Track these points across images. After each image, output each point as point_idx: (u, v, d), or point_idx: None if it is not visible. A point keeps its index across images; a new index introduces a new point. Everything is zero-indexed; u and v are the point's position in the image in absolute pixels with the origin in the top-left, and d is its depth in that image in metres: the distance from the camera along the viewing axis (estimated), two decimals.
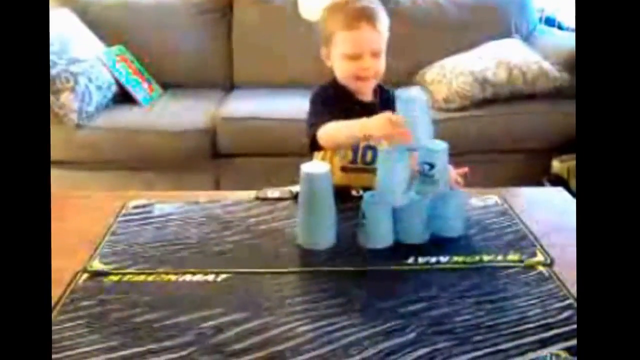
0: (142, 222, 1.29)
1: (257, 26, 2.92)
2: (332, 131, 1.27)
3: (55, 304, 1.00)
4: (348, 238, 1.20)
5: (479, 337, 0.92)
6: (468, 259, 1.14)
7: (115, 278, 1.09)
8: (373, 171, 1.25)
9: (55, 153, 2.33)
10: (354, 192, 1.35)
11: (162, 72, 2.84)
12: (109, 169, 2.54)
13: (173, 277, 1.09)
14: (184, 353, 0.89)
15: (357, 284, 1.06)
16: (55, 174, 2.30)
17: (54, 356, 0.87)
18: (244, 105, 2.64)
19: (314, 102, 1.39)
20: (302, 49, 2.49)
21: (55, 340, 0.91)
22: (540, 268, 1.11)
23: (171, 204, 1.37)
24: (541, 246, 1.19)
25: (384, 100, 1.41)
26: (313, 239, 1.18)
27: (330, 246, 1.18)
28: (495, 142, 2.55)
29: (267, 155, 2.50)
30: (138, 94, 2.67)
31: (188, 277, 1.09)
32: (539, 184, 2.38)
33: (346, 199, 1.31)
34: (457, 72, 2.60)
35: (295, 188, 1.30)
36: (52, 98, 2.37)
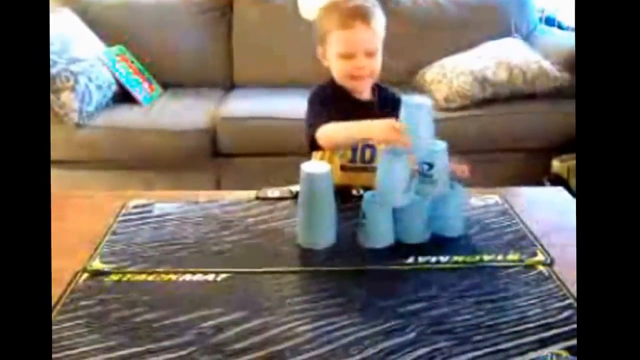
0: (142, 221, 1.29)
1: (257, 26, 2.92)
2: (331, 132, 1.27)
3: (55, 303, 1.00)
4: (348, 238, 1.20)
5: (479, 337, 0.92)
6: (468, 259, 1.14)
7: (115, 278, 1.09)
8: (372, 170, 1.25)
9: (56, 152, 2.32)
10: (354, 192, 1.35)
11: (162, 72, 2.84)
12: (109, 169, 2.54)
13: (173, 277, 1.09)
14: (183, 353, 0.89)
15: (357, 284, 1.06)
16: (55, 173, 2.30)
17: (54, 356, 0.87)
18: (244, 105, 2.64)
19: (312, 102, 1.39)
20: (302, 48, 2.48)
21: (55, 339, 0.91)
22: (541, 268, 1.11)
23: (171, 203, 1.37)
24: (541, 246, 1.19)
25: (383, 99, 1.41)
26: (313, 238, 1.18)
27: (330, 246, 1.18)
28: (496, 141, 2.55)
29: (267, 154, 2.50)
30: (138, 94, 2.67)
31: (188, 277, 1.09)
32: (539, 183, 2.38)
33: (346, 199, 1.31)
34: (457, 71, 2.60)
35: (295, 188, 1.30)
36: (52, 97, 2.37)
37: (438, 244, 1.19)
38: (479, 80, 2.56)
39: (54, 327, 0.94)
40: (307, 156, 1.38)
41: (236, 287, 1.06)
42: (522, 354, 0.89)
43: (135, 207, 1.36)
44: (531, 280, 1.07)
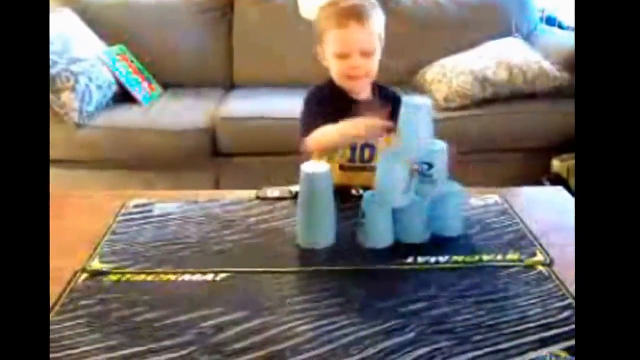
0: (141, 221, 1.29)
1: (257, 25, 2.92)
2: (319, 136, 1.30)
3: (54, 303, 1.00)
4: (348, 237, 1.20)
5: (478, 337, 0.92)
6: (467, 259, 1.14)
7: (114, 277, 1.09)
8: (372, 169, 1.25)
9: (56, 152, 2.33)
10: (353, 192, 1.35)
11: (163, 72, 2.84)
12: (109, 168, 2.54)
13: (173, 277, 1.09)
14: (183, 352, 0.89)
15: (357, 284, 1.06)
16: (55, 173, 2.31)
17: (53, 355, 0.87)
18: (244, 105, 2.64)
19: (308, 103, 1.39)
20: (302, 48, 2.48)
21: (55, 339, 0.91)
22: (540, 267, 1.11)
23: (171, 203, 1.37)
24: (541, 245, 1.19)
25: (383, 98, 1.40)
26: (313, 238, 1.18)
27: (330, 245, 1.18)
28: (495, 141, 2.55)
29: (267, 154, 2.50)
30: (138, 93, 2.67)
31: (188, 277, 1.09)
32: (539, 183, 2.38)
33: (346, 198, 1.31)
34: (458, 71, 2.60)
35: (295, 187, 1.30)
36: (52, 97, 2.37)
37: (437, 243, 1.19)
38: (479, 80, 2.56)
39: (54, 327, 0.94)
40: (307, 156, 1.38)
41: (236, 286, 1.06)
42: (521, 353, 0.89)
43: (135, 206, 1.36)
44: (531, 280, 1.07)
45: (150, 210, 1.34)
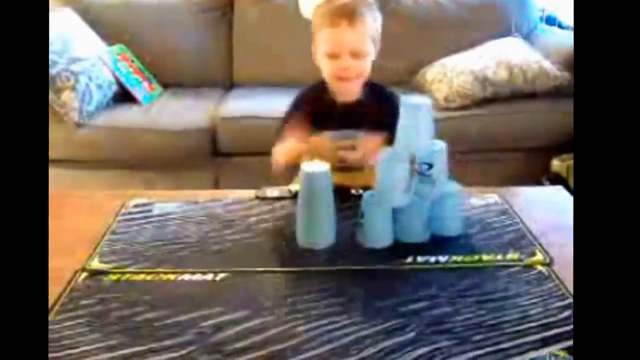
0: (142, 221, 1.29)
1: (257, 25, 2.92)
2: (281, 152, 1.35)
3: (54, 303, 1.00)
4: (347, 237, 1.20)
5: (478, 337, 0.92)
6: (467, 258, 1.14)
7: (114, 277, 1.09)
8: (370, 169, 1.24)
9: (56, 152, 2.34)
10: (353, 191, 1.35)
11: (163, 71, 2.84)
12: (109, 168, 2.54)
13: (173, 276, 1.09)
14: (183, 352, 0.89)
15: (357, 283, 1.06)
16: (55, 172, 2.32)
17: (53, 355, 0.87)
18: (244, 105, 2.64)
19: (290, 105, 1.39)
20: (302, 48, 2.47)
21: (55, 339, 0.91)
22: (540, 267, 1.11)
23: (171, 203, 1.37)
24: (540, 245, 1.19)
25: (376, 98, 1.39)
26: (312, 238, 1.18)
27: (330, 245, 1.18)
28: (496, 141, 2.55)
29: (267, 154, 2.47)
30: (138, 93, 2.67)
31: (187, 276, 1.09)
32: (539, 183, 2.38)
33: (346, 198, 1.31)
34: (458, 71, 2.60)
35: (295, 187, 1.30)
36: (52, 97, 2.38)
37: (437, 243, 1.19)
38: (479, 79, 2.56)
39: (53, 327, 0.94)
40: (279, 171, 1.39)
41: (236, 286, 1.06)
42: (522, 353, 0.88)
43: (135, 206, 1.36)
44: (531, 280, 1.07)
45: (150, 210, 1.34)
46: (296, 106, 1.37)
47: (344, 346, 0.90)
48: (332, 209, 1.18)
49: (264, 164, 2.47)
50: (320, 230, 1.18)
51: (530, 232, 1.24)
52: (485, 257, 1.15)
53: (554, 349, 0.89)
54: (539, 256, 1.15)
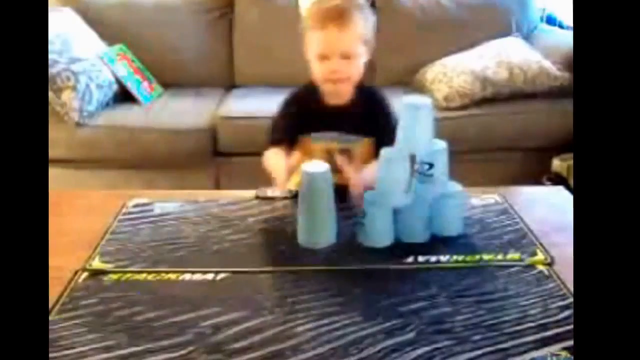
0: (142, 220, 1.29)
1: (257, 25, 2.92)
2: (269, 165, 1.32)
3: (55, 302, 1.00)
4: (348, 237, 1.20)
5: (478, 336, 0.92)
6: (468, 258, 1.14)
7: (115, 277, 1.09)
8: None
9: (56, 151, 2.35)
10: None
11: (163, 71, 2.84)
12: (109, 168, 2.54)
13: (172, 276, 1.09)
14: (183, 352, 0.89)
15: (357, 283, 1.06)
16: (56, 172, 2.32)
17: (54, 355, 0.87)
18: (244, 105, 2.64)
19: (280, 106, 1.39)
20: (302, 48, 2.49)
21: (54, 339, 0.91)
22: (541, 267, 1.11)
23: (171, 202, 1.37)
24: (541, 245, 1.19)
25: (366, 101, 1.37)
26: (313, 238, 1.18)
27: (330, 245, 1.18)
28: (496, 140, 2.55)
29: None
30: (139, 93, 2.67)
31: (187, 276, 1.09)
32: (539, 182, 2.38)
33: (346, 198, 1.30)
34: (458, 70, 2.60)
35: (292, 183, 1.30)
36: (53, 97, 2.38)
37: (438, 243, 1.19)
38: (479, 79, 2.56)
39: (54, 326, 0.94)
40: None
41: (236, 286, 1.06)
42: (522, 353, 0.88)
43: (136, 206, 1.36)
44: (531, 280, 1.07)
45: (150, 210, 1.34)
46: (286, 107, 1.37)
47: (344, 346, 0.90)
48: (332, 209, 1.18)
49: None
50: (320, 230, 1.18)
51: (531, 232, 1.23)
52: (485, 257, 1.15)
53: (555, 348, 0.89)
54: (540, 256, 1.15)
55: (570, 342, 0.90)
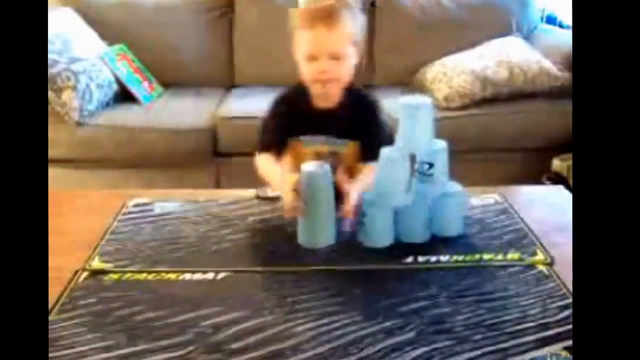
0: (142, 220, 1.29)
1: (257, 25, 2.92)
2: (263, 172, 1.32)
3: (55, 302, 1.00)
4: (348, 237, 1.20)
5: (478, 336, 0.92)
6: (468, 258, 1.14)
7: (115, 276, 1.09)
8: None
9: (57, 151, 2.35)
10: None
11: (163, 71, 2.84)
12: (109, 168, 2.54)
13: (173, 276, 1.09)
14: (183, 351, 0.89)
15: (357, 283, 1.06)
16: (56, 172, 2.32)
17: (54, 355, 0.87)
18: (244, 104, 2.64)
19: (269, 108, 1.38)
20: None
21: (55, 338, 0.91)
22: (541, 267, 1.11)
23: (171, 202, 1.37)
24: (541, 245, 1.19)
25: (355, 103, 1.36)
26: (313, 238, 1.18)
27: (330, 245, 1.18)
28: (496, 140, 2.55)
29: None
30: (139, 93, 2.67)
31: (188, 276, 1.09)
32: (539, 182, 2.38)
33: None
34: (458, 70, 2.60)
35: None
36: (53, 96, 2.38)
37: (438, 243, 1.19)
38: (479, 79, 2.55)
39: (54, 326, 0.94)
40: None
41: (236, 286, 1.06)
42: (521, 353, 0.88)
43: (136, 205, 1.36)
44: (531, 280, 1.07)
45: (150, 210, 1.34)
46: (276, 107, 1.36)
47: (343, 346, 0.90)
48: (332, 209, 1.18)
49: None
50: (320, 230, 1.18)
51: (531, 232, 1.23)
52: (485, 257, 1.15)
53: (555, 348, 0.89)
54: (540, 256, 1.15)
55: (570, 342, 0.90)
